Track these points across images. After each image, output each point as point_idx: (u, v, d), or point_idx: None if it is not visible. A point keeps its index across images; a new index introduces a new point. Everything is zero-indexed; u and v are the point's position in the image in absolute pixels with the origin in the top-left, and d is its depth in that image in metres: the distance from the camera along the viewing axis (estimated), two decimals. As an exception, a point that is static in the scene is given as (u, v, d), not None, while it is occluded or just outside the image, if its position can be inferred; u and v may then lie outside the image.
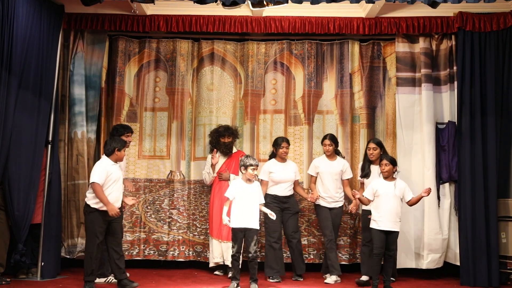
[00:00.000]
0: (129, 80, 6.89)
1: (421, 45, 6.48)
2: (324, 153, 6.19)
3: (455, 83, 6.25)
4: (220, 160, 6.37)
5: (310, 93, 6.85)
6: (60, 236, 6.10)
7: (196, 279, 5.92)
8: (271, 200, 5.95)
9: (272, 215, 5.47)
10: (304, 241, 6.46)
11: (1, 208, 5.42)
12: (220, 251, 6.13)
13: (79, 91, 6.37)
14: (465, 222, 5.91)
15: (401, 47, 6.58)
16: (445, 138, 6.33)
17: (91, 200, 5.18)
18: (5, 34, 5.00)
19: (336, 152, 6.21)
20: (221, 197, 6.00)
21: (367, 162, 6.01)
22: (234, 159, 6.35)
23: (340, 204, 6.12)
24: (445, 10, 6.15)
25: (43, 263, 5.70)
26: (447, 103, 6.41)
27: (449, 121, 6.37)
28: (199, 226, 6.63)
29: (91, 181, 5.17)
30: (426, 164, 6.25)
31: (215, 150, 6.34)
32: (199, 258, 6.55)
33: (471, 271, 5.80)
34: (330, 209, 6.06)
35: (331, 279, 5.82)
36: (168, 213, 6.67)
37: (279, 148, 6.06)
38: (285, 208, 6.05)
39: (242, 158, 5.60)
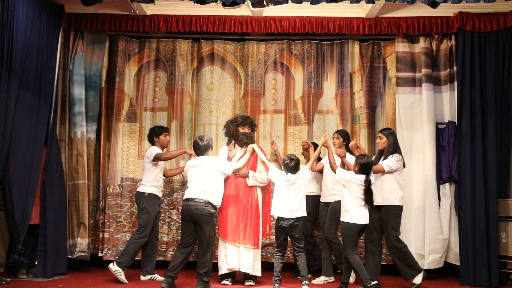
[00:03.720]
0: (129, 80, 6.89)
1: (421, 45, 6.49)
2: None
3: (455, 83, 6.26)
4: (237, 154, 5.79)
5: (310, 93, 6.85)
6: (61, 236, 6.08)
7: (195, 279, 5.89)
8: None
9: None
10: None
11: (0, 208, 5.42)
12: (237, 256, 5.55)
13: (79, 91, 6.37)
14: (465, 222, 5.91)
15: (401, 47, 6.59)
16: (445, 138, 6.33)
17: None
18: (5, 34, 5.00)
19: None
20: (239, 195, 5.63)
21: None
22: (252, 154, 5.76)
23: (336, 198, 5.77)
24: (445, 10, 6.16)
25: (36, 262, 5.68)
26: (447, 103, 6.41)
27: (449, 121, 6.37)
28: (199, 226, 6.62)
29: (232, 170, 5.37)
30: (426, 164, 6.25)
31: (233, 141, 5.76)
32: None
33: (471, 271, 5.80)
34: (327, 203, 5.96)
35: (319, 279, 5.81)
36: (167, 213, 6.67)
37: None
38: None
39: (287, 161, 5.36)
